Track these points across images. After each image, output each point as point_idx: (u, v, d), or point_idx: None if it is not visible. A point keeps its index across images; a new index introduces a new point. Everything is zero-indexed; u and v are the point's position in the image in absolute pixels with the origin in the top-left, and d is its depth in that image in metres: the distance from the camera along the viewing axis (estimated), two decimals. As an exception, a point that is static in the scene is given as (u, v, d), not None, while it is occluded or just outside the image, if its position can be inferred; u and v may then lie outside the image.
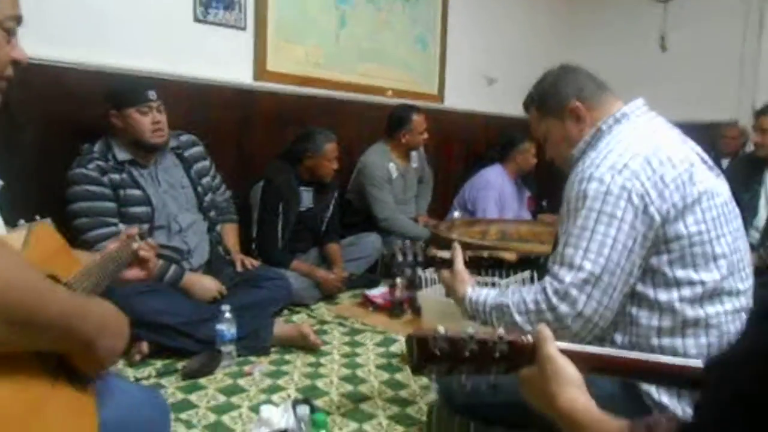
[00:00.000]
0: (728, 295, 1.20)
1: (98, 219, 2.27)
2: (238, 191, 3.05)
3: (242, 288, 2.56)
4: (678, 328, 1.19)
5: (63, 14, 2.53)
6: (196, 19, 3.00)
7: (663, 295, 1.21)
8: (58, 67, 2.52)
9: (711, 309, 1.18)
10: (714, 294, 1.19)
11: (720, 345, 1.19)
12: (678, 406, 1.18)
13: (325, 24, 3.61)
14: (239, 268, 2.68)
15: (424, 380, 2.10)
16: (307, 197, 3.15)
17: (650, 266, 1.21)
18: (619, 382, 1.19)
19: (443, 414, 1.61)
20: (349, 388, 2.05)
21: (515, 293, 1.30)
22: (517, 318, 1.25)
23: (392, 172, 3.59)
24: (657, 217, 1.17)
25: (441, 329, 0.84)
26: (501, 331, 0.85)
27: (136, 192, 2.38)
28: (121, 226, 2.30)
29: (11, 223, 1.04)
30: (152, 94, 2.40)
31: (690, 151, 1.28)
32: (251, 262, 2.75)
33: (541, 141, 1.52)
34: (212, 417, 1.80)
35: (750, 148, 3.98)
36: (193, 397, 1.93)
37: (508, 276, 2.20)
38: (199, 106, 3.01)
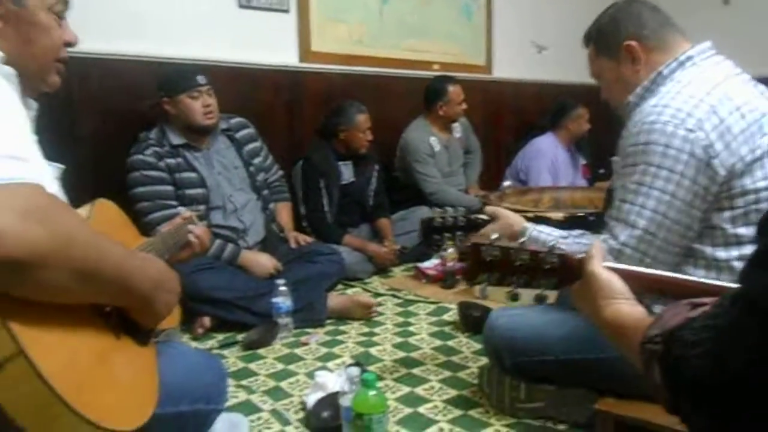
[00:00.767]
0: None
1: (158, 202, 2.38)
2: (289, 171, 3.12)
3: (297, 263, 2.63)
4: None
5: (116, 10, 2.64)
6: (240, 5, 3.07)
7: (721, 253, 1.16)
8: (115, 60, 2.65)
9: None
10: None
11: None
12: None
13: (367, 1, 3.61)
14: (293, 245, 2.76)
15: (476, 345, 2.11)
16: (346, 171, 3.20)
17: (710, 222, 1.16)
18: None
19: (494, 375, 1.63)
20: (401, 354, 2.09)
21: (575, 242, 1.28)
22: None
23: (434, 146, 3.58)
24: (721, 171, 1.11)
25: (495, 236, 0.85)
26: (552, 243, 0.85)
27: (192, 174, 2.49)
28: (181, 209, 2.40)
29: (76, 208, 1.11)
30: (201, 79, 2.49)
31: (760, 98, 1.20)
32: (304, 239, 2.83)
33: (596, 80, 1.44)
34: (271, 383, 1.88)
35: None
36: (252, 366, 2.02)
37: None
38: (247, 90, 3.09)
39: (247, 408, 1.70)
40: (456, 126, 3.79)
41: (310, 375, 1.90)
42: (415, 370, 1.94)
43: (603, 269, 0.82)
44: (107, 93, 2.65)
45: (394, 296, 2.76)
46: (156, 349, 1.11)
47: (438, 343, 2.19)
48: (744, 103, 1.15)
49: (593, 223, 1.41)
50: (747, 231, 1.13)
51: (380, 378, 1.83)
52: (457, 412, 1.63)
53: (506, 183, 3.72)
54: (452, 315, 2.46)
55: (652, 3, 1.33)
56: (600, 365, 1.32)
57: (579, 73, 4.85)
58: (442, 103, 3.56)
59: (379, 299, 2.72)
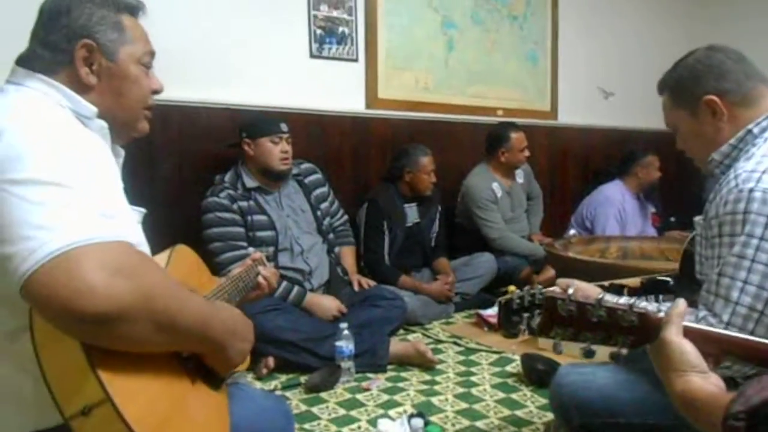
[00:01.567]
0: None
1: (230, 243, 2.48)
2: (354, 215, 3.18)
3: (359, 307, 2.65)
4: None
5: (197, 59, 2.81)
6: (312, 55, 3.20)
7: None
8: (193, 107, 2.81)
9: None
10: None
11: None
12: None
13: (433, 49, 3.70)
14: (356, 288, 2.80)
15: (542, 400, 2.05)
16: (411, 213, 3.25)
17: None
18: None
19: (561, 434, 1.58)
20: (464, 405, 2.06)
21: None
22: None
23: (497, 192, 3.57)
24: None
25: (571, 291, 0.84)
26: (632, 300, 0.83)
27: (262, 217, 2.58)
28: (250, 249, 2.49)
29: (155, 248, 1.17)
30: (284, 126, 2.63)
31: None
32: (368, 282, 2.86)
33: (671, 131, 1.35)
34: (333, 428, 1.89)
35: None
36: (315, 410, 2.03)
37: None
38: (316, 136, 3.20)
39: (310, 453, 1.71)
40: (518, 172, 3.77)
41: (372, 422, 1.90)
42: (479, 423, 1.90)
43: (678, 338, 0.79)
44: (185, 137, 2.81)
45: (456, 343, 2.73)
46: (228, 392, 1.14)
47: (501, 395, 2.14)
48: None
49: (672, 287, 1.33)
50: None
51: (443, 430, 1.81)
52: (522, 471, 1.59)
53: (571, 231, 3.66)
54: (515, 366, 2.41)
55: (737, 52, 1.24)
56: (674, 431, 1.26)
57: (646, 119, 4.82)
58: (504, 150, 3.57)
59: (440, 346, 2.70)
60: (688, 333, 0.81)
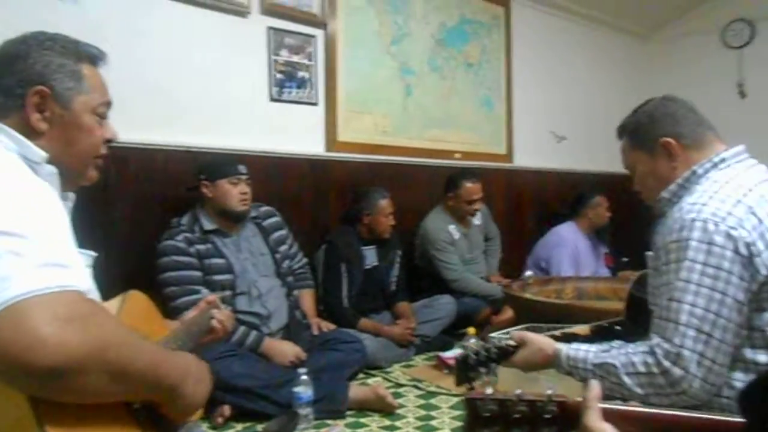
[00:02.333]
0: None
1: (186, 287, 2.43)
2: (313, 258, 3.17)
3: (318, 351, 2.62)
4: None
5: (154, 102, 2.80)
6: (272, 99, 3.23)
7: (762, 357, 1.13)
8: (150, 149, 2.78)
9: None
10: None
11: None
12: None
13: (391, 94, 3.78)
14: (316, 332, 2.77)
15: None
16: (370, 255, 3.25)
17: (750, 323, 1.13)
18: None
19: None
20: (424, 451, 2.03)
21: (621, 353, 1.21)
22: (626, 380, 1.17)
23: (454, 234, 3.61)
24: (763, 270, 1.10)
25: (489, 390, 0.83)
26: (549, 391, 0.83)
27: (220, 261, 2.54)
28: (206, 293, 2.44)
29: (107, 292, 1.15)
30: (243, 168, 2.63)
31: None
32: (327, 326, 2.83)
33: (629, 172, 1.44)
34: (290, 479, 1.83)
35: None
36: (272, 460, 1.98)
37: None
38: (276, 178, 3.20)
39: (266, 506, 1.66)
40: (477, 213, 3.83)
41: (331, 471, 1.85)
42: (439, 469, 1.88)
43: (597, 422, 0.79)
44: (142, 180, 2.77)
45: (416, 387, 2.71)
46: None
47: (461, 439, 2.13)
48: None
49: (620, 333, 1.37)
50: None
51: (402, 477, 1.78)
52: None
53: (528, 273, 3.71)
54: (475, 409, 2.40)
55: (688, 103, 1.37)
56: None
57: (597, 162, 5.00)
58: (453, 195, 3.61)
59: (401, 389, 2.67)
60: (608, 415, 0.81)
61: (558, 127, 4.81)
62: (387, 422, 2.30)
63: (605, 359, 1.22)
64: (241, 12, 3.08)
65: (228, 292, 2.51)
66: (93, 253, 1.11)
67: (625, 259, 4.49)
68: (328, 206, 3.45)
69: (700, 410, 1.08)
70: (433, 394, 2.62)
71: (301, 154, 3.34)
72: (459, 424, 2.27)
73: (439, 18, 4.02)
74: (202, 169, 2.64)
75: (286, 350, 2.52)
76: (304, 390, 2.24)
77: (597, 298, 3.28)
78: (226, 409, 2.30)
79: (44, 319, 0.72)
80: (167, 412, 0.99)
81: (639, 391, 1.15)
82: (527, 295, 2.98)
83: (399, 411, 2.40)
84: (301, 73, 3.33)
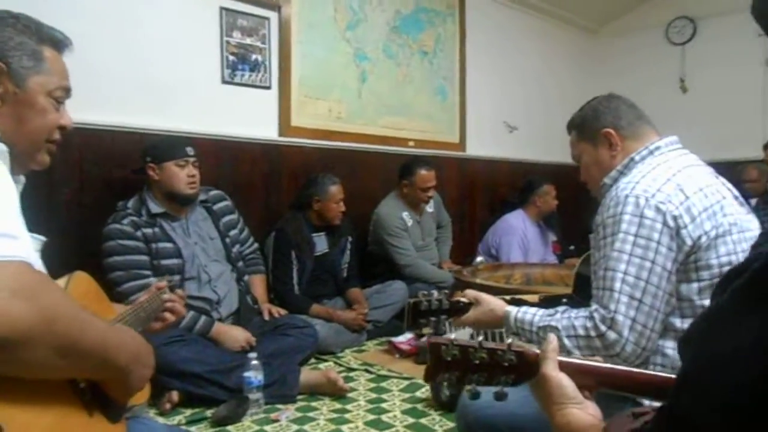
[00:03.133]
0: None
1: (132, 272, 2.37)
2: (265, 245, 3.14)
3: (270, 336, 2.61)
4: None
5: (100, 81, 2.71)
6: (224, 81, 3.17)
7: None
8: (96, 129, 2.69)
9: None
10: None
11: None
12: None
13: (346, 80, 3.77)
14: (267, 317, 2.75)
15: (450, 423, 2.09)
16: (320, 242, 3.25)
17: (679, 294, 1.22)
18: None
19: (467, 455, 1.61)
20: (374, 432, 2.06)
21: (564, 317, 1.30)
22: (567, 342, 1.25)
23: (407, 221, 3.64)
24: (688, 241, 1.19)
25: (453, 336, 0.87)
26: (509, 340, 0.87)
27: (168, 245, 2.49)
28: (153, 279, 2.39)
29: (52, 277, 1.12)
30: (190, 150, 2.57)
31: (721, 186, 1.31)
32: (278, 311, 2.81)
33: (576, 163, 1.55)
34: (239, 463, 1.83)
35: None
36: (221, 444, 1.97)
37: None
38: (227, 162, 3.15)
39: (215, 489, 1.65)
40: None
41: (281, 454, 1.86)
42: (388, 450, 1.91)
43: (555, 372, 0.84)
44: (87, 162, 2.68)
45: (367, 371, 2.73)
46: (126, 426, 1.09)
47: (411, 420, 2.16)
48: (706, 185, 1.26)
49: (566, 305, 1.43)
50: None
51: (352, 458, 1.80)
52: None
53: (479, 258, 3.79)
54: (425, 392, 2.44)
55: (629, 100, 1.49)
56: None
57: (547, 152, 5.11)
58: (407, 182, 3.63)
59: (352, 374, 2.69)
60: (564, 367, 0.86)
61: (510, 117, 4.90)
62: (338, 405, 2.31)
63: (549, 322, 1.31)
64: (192, -9, 3.01)
65: (177, 277, 2.46)
66: (42, 238, 1.09)
67: (571, 247, 4.63)
68: (281, 192, 3.42)
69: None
70: (384, 378, 2.65)
71: (254, 138, 3.30)
72: (409, 406, 2.30)
73: (394, 5, 4.02)
74: (148, 151, 2.57)
75: (237, 335, 2.50)
76: (254, 375, 2.23)
77: (544, 283, 3.37)
78: (175, 395, 2.27)
79: None
80: (111, 391, 0.98)
81: (577, 352, 1.24)
82: (478, 281, 3.04)
83: (350, 395, 2.42)
84: (254, 56, 3.28)
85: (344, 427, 2.10)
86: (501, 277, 3.40)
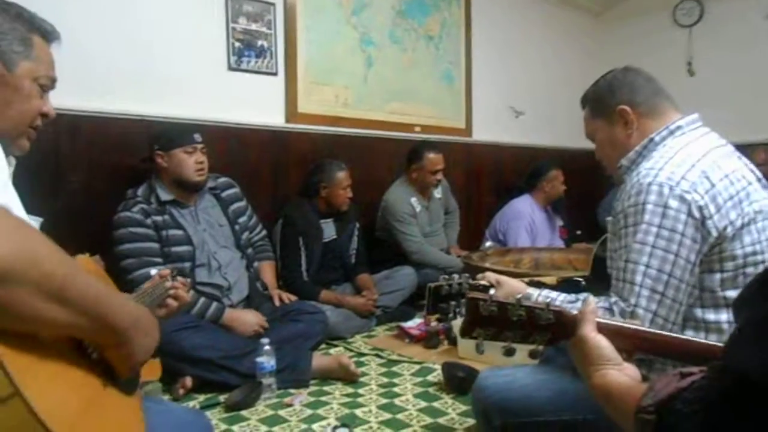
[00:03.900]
0: None
1: (143, 259, 2.37)
2: (273, 231, 3.14)
3: (281, 322, 2.62)
4: None
5: (108, 69, 2.70)
6: (230, 68, 3.16)
7: (711, 315, 1.18)
8: (104, 117, 2.69)
9: None
10: None
11: None
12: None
13: (352, 66, 3.75)
14: (277, 303, 2.76)
15: (462, 407, 2.10)
16: (328, 228, 3.25)
17: (700, 284, 1.18)
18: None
19: (482, 437, 1.62)
20: (387, 416, 2.07)
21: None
22: None
23: (415, 207, 3.64)
24: (714, 233, 1.14)
25: (493, 291, 0.87)
26: (548, 299, 0.88)
27: (178, 232, 2.49)
28: (158, 269, 2.39)
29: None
30: (198, 137, 2.57)
31: (746, 169, 1.26)
32: (288, 297, 2.82)
33: (590, 140, 1.48)
34: (255, 446, 1.84)
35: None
36: (235, 428, 1.98)
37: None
38: (235, 149, 3.14)
39: (232, 472, 1.66)
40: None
41: (295, 437, 1.87)
42: (402, 432, 1.92)
43: (593, 333, 0.85)
44: (95, 149, 2.68)
45: (378, 356, 2.74)
46: (144, 405, 1.09)
47: (423, 404, 2.17)
48: (732, 171, 1.21)
49: (584, 287, 1.43)
50: (735, 294, 1.16)
51: (367, 440, 1.81)
52: (446, 476, 1.61)
53: (488, 243, 3.79)
54: (437, 375, 2.45)
55: (648, 73, 1.40)
56: (588, 427, 1.32)
57: (553, 136, 5.09)
58: (416, 167, 3.63)
59: (363, 359, 2.70)
60: (602, 329, 0.86)
61: (516, 102, 4.87)
62: (350, 390, 2.32)
63: (570, 310, 1.28)
64: (198, -23, 2.99)
65: (187, 264, 2.47)
66: (39, 218, 1.09)
67: (578, 232, 4.63)
68: (288, 178, 3.41)
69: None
70: (394, 362, 2.66)
71: (261, 125, 3.29)
72: (421, 390, 2.31)
73: (399, -11, 3.99)
74: (155, 138, 2.56)
75: (249, 319, 2.51)
76: (267, 360, 2.24)
77: (553, 268, 3.37)
78: (188, 381, 2.28)
79: None
80: (111, 358, 0.95)
81: None
82: (486, 265, 3.03)
83: (362, 379, 2.43)
84: (260, 42, 3.26)
85: (358, 411, 2.11)
86: (510, 261, 3.40)
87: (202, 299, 2.45)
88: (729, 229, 1.15)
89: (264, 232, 3.03)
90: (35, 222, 1.06)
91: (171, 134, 2.57)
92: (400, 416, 2.07)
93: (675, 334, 0.91)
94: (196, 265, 2.52)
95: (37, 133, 1.16)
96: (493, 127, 4.68)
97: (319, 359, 2.48)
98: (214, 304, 2.48)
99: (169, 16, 2.92)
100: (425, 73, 4.21)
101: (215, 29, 3.10)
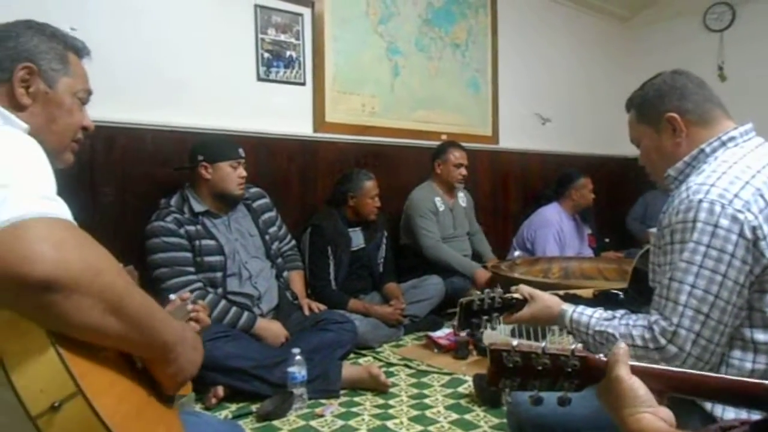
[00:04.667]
0: None
1: (176, 269, 2.41)
2: (301, 241, 3.16)
3: (310, 331, 2.63)
4: None
5: (142, 82, 2.75)
6: (259, 79, 3.19)
7: (760, 336, 1.13)
8: (137, 129, 2.73)
9: None
10: None
11: None
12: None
13: (379, 74, 3.76)
14: (306, 312, 2.77)
15: (495, 419, 2.09)
16: (356, 237, 3.26)
17: (750, 303, 1.14)
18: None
19: (516, 452, 1.60)
20: (419, 428, 2.06)
21: (621, 324, 1.23)
22: None
23: (438, 206, 3.64)
24: (767, 253, 1.09)
25: (515, 342, 0.86)
26: (573, 346, 0.86)
27: (211, 242, 2.52)
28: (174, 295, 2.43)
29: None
30: (242, 151, 2.63)
31: None
32: (318, 306, 2.84)
33: (635, 145, 1.42)
34: (288, 458, 1.84)
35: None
36: (268, 439, 1.99)
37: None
38: (264, 159, 3.17)
39: (266, 484, 1.67)
40: (461, 195, 3.86)
41: (328, 449, 1.87)
42: (435, 445, 1.91)
43: (628, 374, 0.82)
44: (129, 160, 2.72)
45: (407, 366, 2.74)
46: (180, 417, 1.11)
47: (455, 416, 2.16)
48: None
49: (622, 300, 1.40)
50: None
51: (400, 453, 1.80)
52: (481, 491, 1.60)
53: (516, 253, 3.75)
54: (467, 387, 2.43)
55: (698, 78, 1.34)
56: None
57: (580, 144, 5.04)
58: (440, 162, 3.67)
59: (392, 369, 2.70)
60: (634, 371, 0.84)
61: (543, 109, 4.84)
62: (380, 401, 2.32)
63: (606, 328, 1.25)
64: (228, -11, 3.03)
65: (219, 274, 2.50)
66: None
67: (607, 240, 4.57)
68: (317, 187, 3.43)
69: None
70: (424, 373, 2.65)
71: (290, 134, 3.31)
72: (452, 402, 2.30)
73: (426, -2, 3.99)
74: (200, 149, 2.59)
75: (277, 330, 2.54)
76: (298, 370, 2.25)
77: (583, 277, 3.33)
78: (220, 390, 2.30)
79: (42, 235, 0.73)
80: (158, 373, 0.98)
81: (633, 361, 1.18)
82: (515, 275, 3.01)
83: (392, 390, 2.42)
84: (288, 53, 3.29)
85: (389, 423, 2.11)
86: (539, 271, 3.37)
87: (234, 309, 2.47)
88: None
89: (293, 242, 3.05)
90: None
91: (218, 146, 2.61)
92: (432, 429, 2.06)
93: (711, 374, 0.88)
94: (228, 275, 2.54)
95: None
96: (519, 135, 4.65)
97: (349, 369, 2.48)
98: (246, 314, 2.50)
99: (200, 28, 2.96)
100: (451, 81, 4.20)
101: (245, 40, 3.14)
